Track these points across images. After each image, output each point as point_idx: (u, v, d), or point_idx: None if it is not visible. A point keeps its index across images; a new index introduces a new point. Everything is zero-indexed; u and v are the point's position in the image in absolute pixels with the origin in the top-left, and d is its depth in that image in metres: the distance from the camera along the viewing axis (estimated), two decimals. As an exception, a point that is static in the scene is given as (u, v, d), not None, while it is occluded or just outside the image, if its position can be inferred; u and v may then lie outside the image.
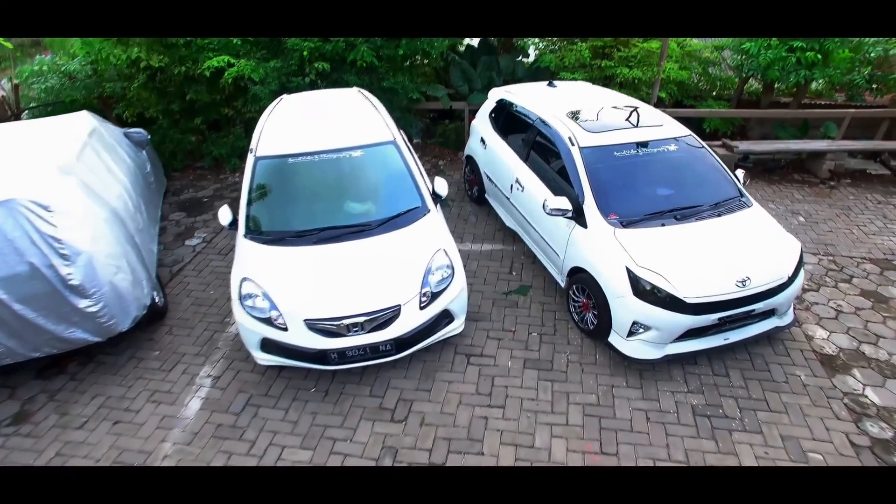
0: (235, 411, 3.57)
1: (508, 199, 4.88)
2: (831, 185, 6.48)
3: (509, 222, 5.12)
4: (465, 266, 4.78)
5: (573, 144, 4.13)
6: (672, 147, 4.28)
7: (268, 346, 3.56)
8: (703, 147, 4.42)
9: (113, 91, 6.09)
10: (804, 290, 4.58)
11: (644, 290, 3.49)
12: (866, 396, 3.63)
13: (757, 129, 7.48)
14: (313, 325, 3.41)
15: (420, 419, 3.47)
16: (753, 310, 3.62)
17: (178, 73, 5.98)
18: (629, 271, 3.53)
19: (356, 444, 3.32)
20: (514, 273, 4.83)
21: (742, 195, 4.16)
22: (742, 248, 3.75)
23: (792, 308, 4.03)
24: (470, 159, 5.68)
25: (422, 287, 3.57)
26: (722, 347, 3.86)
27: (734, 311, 3.56)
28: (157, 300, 4.22)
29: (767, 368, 3.83)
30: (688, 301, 3.44)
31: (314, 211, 3.97)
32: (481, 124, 5.47)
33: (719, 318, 3.55)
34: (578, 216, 3.92)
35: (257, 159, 4.15)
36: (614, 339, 3.75)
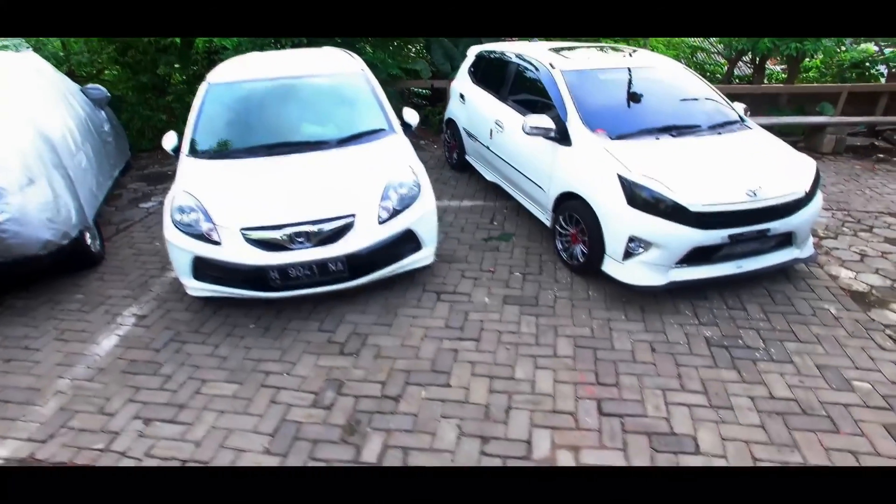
0: (156, 347, 2.96)
1: (489, 147, 4.49)
2: (835, 157, 6.13)
3: (490, 176, 4.69)
4: (442, 220, 4.36)
5: (553, 68, 3.81)
6: (664, 73, 3.97)
7: (201, 269, 3.02)
8: (697, 76, 4.11)
9: (80, 63, 5.91)
10: (821, 238, 4.10)
11: (640, 199, 2.99)
12: (912, 328, 3.07)
13: (750, 111, 7.28)
14: (251, 237, 2.89)
15: (375, 352, 2.87)
16: (768, 230, 3.11)
17: (148, 43, 5.81)
18: (621, 178, 3.05)
19: (294, 377, 2.70)
20: (495, 223, 4.32)
21: (743, 120, 3.79)
22: (750, 161, 3.31)
23: (811, 241, 3.53)
24: (450, 123, 5.35)
25: (382, 200, 3.09)
26: (734, 282, 3.33)
27: (746, 228, 3.06)
28: (89, 243, 3.74)
29: (790, 303, 3.26)
30: (691, 209, 2.94)
31: (268, 130, 3.56)
32: (459, 82, 5.18)
33: (730, 236, 3.04)
34: (562, 137, 3.52)
35: (210, 85, 3.81)
36: (609, 265, 3.21)
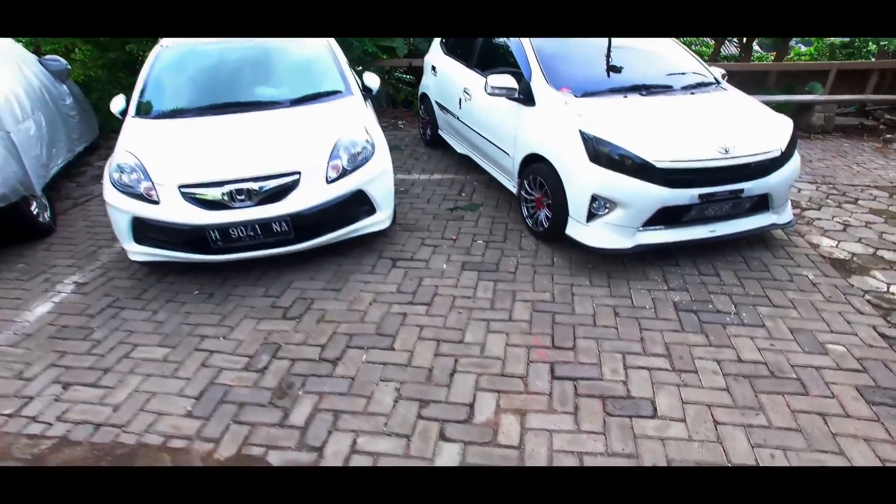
0: (91, 314, 2.79)
1: (458, 118, 4.32)
2: (823, 136, 5.94)
3: (461, 148, 4.52)
4: (408, 192, 4.21)
5: (521, 31, 3.65)
6: (637, 40, 3.80)
7: (141, 232, 2.84)
8: (673, 40, 3.95)
9: (47, 40, 5.76)
10: (803, 210, 3.93)
11: (602, 155, 2.82)
12: (893, 294, 2.88)
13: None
14: (190, 195, 2.73)
15: (319, 316, 2.69)
16: (742, 190, 2.94)
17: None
18: (583, 134, 2.88)
19: (230, 341, 2.52)
20: (463, 195, 4.14)
21: (719, 83, 3.62)
22: (723, 119, 3.14)
23: (790, 206, 3.36)
24: (424, 98, 5.17)
25: (330, 159, 2.91)
26: (708, 248, 3.16)
27: (718, 187, 2.89)
28: (36, 213, 3.58)
29: (767, 269, 3.08)
30: (657, 166, 2.77)
31: (219, 91, 3.38)
32: (432, 55, 5.00)
33: (700, 196, 2.87)
34: (526, 97, 3.35)
35: (163, 48, 3.64)
36: (573, 228, 3.03)
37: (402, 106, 7.10)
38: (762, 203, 3.14)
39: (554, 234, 3.19)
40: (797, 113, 6.26)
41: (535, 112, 3.26)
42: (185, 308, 2.82)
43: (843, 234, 3.56)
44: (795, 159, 3.16)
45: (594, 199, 2.85)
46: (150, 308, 2.83)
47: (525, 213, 3.47)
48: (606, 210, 2.87)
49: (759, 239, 3.40)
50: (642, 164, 2.77)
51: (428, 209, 3.90)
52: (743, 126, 3.10)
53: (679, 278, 2.99)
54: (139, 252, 2.92)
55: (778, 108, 6.27)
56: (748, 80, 6.77)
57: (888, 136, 5.86)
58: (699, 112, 3.19)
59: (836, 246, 3.38)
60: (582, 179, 2.88)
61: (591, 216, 2.90)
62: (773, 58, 6.83)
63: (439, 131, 4.97)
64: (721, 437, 1.97)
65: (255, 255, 2.89)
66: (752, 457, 1.89)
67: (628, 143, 2.80)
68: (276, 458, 1.92)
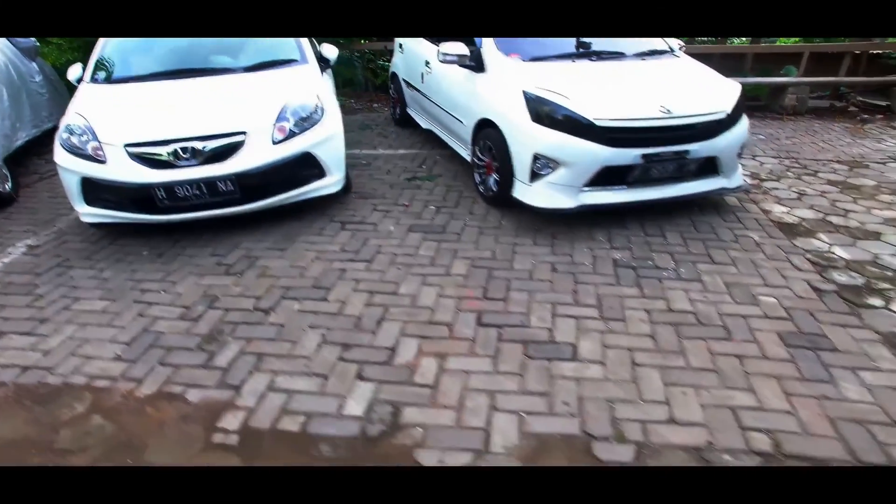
0: (38, 272, 2.82)
1: (421, 91, 4.35)
2: (795, 117, 5.91)
3: (425, 123, 4.54)
4: (370, 165, 4.24)
5: None
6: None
7: (91, 193, 2.89)
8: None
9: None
10: (762, 180, 3.93)
11: (544, 114, 2.83)
12: (833, 253, 2.87)
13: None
14: (135, 153, 2.76)
15: (260, 272, 2.72)
16: (687, 151, 2.96)
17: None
18: (525, 94, 2.89)
19: (170, 294, 2.55)
20: (423, 167, 4.17)
21: (673, 51, 3.64)
22: (670, 82, 3.16)
23: (740, 171, 3.37)
24: (394, 77, 5.18)
25: (277, 121, 2.94)
26: (658, 212, 3.18)
27: (662, 148, 2.91)
28: (3, 189, 3.65)
29: (714, 231, 3.09)
30: (598, 124, 2.78)
31: (174, 58, 3.41)
32: (402, 33, 5.07)
33: (644, 156, 2.89)
34: (477, 64, 3.36)
35: (121, 19, 3.70)
36: (518, 190, 3.05)
37: (381, 91, 7.14)
38: (711, 167, 3.16)
39: (502, 199, 3.21)
40: (772, 95, 6.27)
41: (485, 78, 3.28)
42: (132, 266, 2.85)
43: (797, 202, 3.56)
44: (743, 124, 3.17)
45: (536, 158, 2.87)
46: (98, 267, 2.87)
47: (477, 179, 3.49)
48: (549, 170, 2.89)
49: (712, 205, 3.42)
50: (583, 123, 2.79)
51: (386, 179, 3.92)
52: (689, 89, 3.12)
53: (624, 239, 3.00)
54: (90, 213, 2.96)
55: (753, 89, 6.33)
56: (725, 65, 6.71)
57: (864, 116, 5.86)
58: (647, 76, 3.21)
59: (788, 212, 3.38)
60: (525, 139, 2.90)
61: (535, 176, 2.92)
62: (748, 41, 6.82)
63: (407, 109, 4.99)
64: (636, 377, 1.99)
65: (202, 216, 2.92)
66: (662, 394, 1.91)
67: (569, 102, 2.81)
68: (194, 396, 1.95)
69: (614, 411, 1.84)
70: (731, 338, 2.19)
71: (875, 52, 6.61)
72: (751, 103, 6.41)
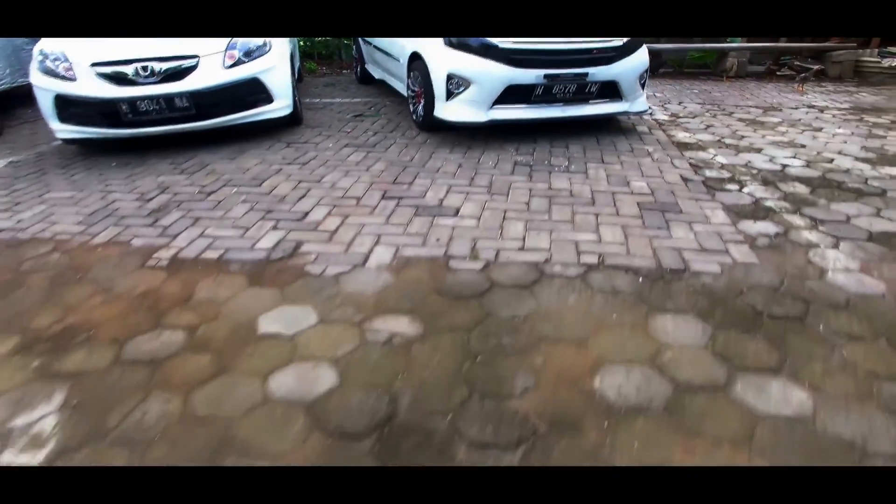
0: (17, 177, 3.23)
1: (372, 44, 4.79)
2: (735, 79, 6.32)
3: (378, 73, 4.98)
4: (326, 108, 4.67)
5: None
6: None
7: (63, 110, 3.30)
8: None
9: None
10: (679, 117, 4.32)
11: (455, 40, 3.27)
12: (714, 160, 3.26)
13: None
14: (101, 72, 3.19)
15: (210, 171, 3.14)
16: (587, 74, 3.37)
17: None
18: (442, 22, 3.34)
19: (130, 188, 2.96)
20: (372, 109, 4.61)
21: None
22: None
23: (643, 98, 3.76)
24: (356, 38, 5.68)
25: (227, 48, 3.37)
26: (568, 131, 3.60)
27: (562, 70, 3.32)
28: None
29: (614, 146, 3.49)
30: (501, 46, 3.19)
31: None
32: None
33: (546, 77, 3.29)
34: (411, 6, 3.80)
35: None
36: (438, 109, 3.46)
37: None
38: (614, 92, 3.56)
39: (429, 123, 3.62)
40: (717, 62, 6.68)
41: (414, 15, 3.71)
42: (100, 172, 3.27)
43: (702, 131, 3.96)
44: (641, 54, 3.58)
45: (450, 78, 3.28)
46: (70, 173, 3.29)
47: (411, 109, 3.91)
48: (462, 88, 3.30)
49: (620, 129, 3.83)
50: (488, 46, 3.20)
51: (336, 117, 4.36)
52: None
53: (530, 149, 3.41)
54: (63, 130, 3.38)
55: (701, 56, 6.73)
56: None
57: (803, 75, 6.24)
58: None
59: (690, 136, 3.78)
60: (440, 62, 3.31)
61: (450, 94, 3.33)
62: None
63: (366, 66, 5.43)
64: (503, 227, 2.38)
65: (162, 130, 3.34)
66: (521, 235, 2.30)
67: (478, 27, 3.23)
68: (137, 242, 2.35)
69: (476, 244, 2.24)
70: (594, 204, 2.59)
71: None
72: (698, 70, 6.85)
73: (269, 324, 1.77)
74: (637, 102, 3.66)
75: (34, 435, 1.37)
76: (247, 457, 1.29)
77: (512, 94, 3.31)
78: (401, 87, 4.30)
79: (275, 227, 2.42)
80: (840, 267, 2.05)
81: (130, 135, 3.35)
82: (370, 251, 2.20)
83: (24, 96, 5.06)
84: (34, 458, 1.30)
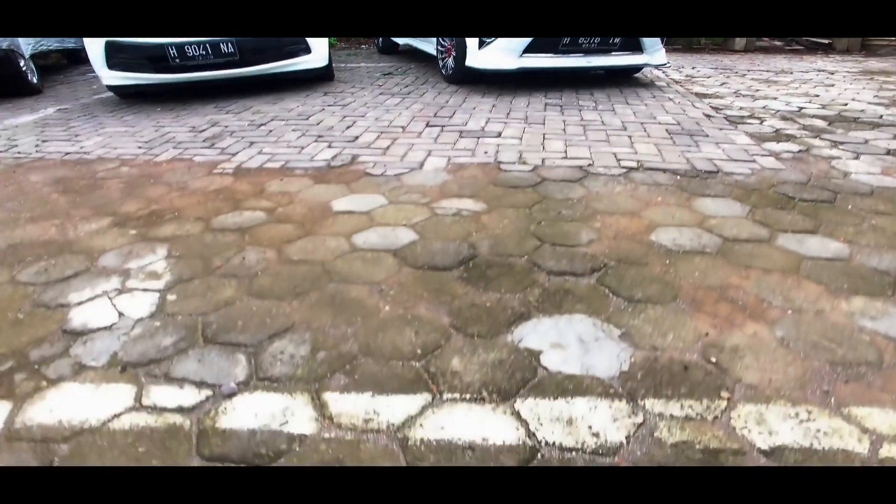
0: (69, 118, 3.39)
1: (399, 12, 4.96)
2: (745, 53, 6.48)
3: (403, 41, 5.16)
4: (354, 71, 4.84)
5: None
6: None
7: (113, 57, 3.46)
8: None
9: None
10: (692, 78, 4.49)
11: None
12: (733, 104, 3.42)
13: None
14: (150, 19, 3.37)
15: (255, 111, 3.29)
16: (610, 25, 3.54)
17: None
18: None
19: (181, 123, 3.12)
20: (399, 70, 4.79)
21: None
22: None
23: (663, 52, 3.93)
24: (378, 12, 5.85)
25: (270, -2, 3.55)
26: (592, 82, 3.77)
27: (588, 20, 3.49)
28: (24, 69, 4.21)
29: (637, 95, 3.66)
30: (533, -6, 3.38)
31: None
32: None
33: (573, 26, 3.47)
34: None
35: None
36: (470, 58, 3.62)
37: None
38: (636, 45, 3.73)
39: (460, 75, 3.79)
40: (727, 41, 6.89)
41: (444, -28, 3.88)
42: (148, 115, 3.42)
43: (718, 87, 4.12)
44: (662, 7, 3.75)
45: (483, 25, 3.45)
46: (119, 115, 3.44)
47: (441, 65, 4.07)
48: (493, 38, 3.46)
49: (641, 83, 4.00)
50: (520, -7, 3.37)
51: (367, 76, 4.53)
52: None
53: (558, 95, 3.57)
54: (112, 76, 3.53)
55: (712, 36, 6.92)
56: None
57: (744, 53, 6.41)
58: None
59: (707, 89, 3.95)
60: (473, 10, 3.48)
61: (482, 44, 3.50)
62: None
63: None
64: (545, 144, 2.54)
65: (208, 75, 3.50)
66: (562, 148, 2.45)
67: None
68: (200, 159, 2.50)
69: (522, 155, 2.39)
70: (625, 130, 2.75)
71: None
72: (712, 45, 7.04)
73: (343, 205, 1.92)
74: (657, 55, 3.83)
75: (150, 272, 1.52)
76: (346, 283, 1.43)
77: (539, 44, 3.48)
78: (429, 48, 4.46)
79: (329, 146, 2.58)
80: (862, 171, 2.21)
81: (176, 80, 3.51)
82: (424, 160, 2.35)
83: (65, 57, 5.24)
84: (156, 284, 1.45)
